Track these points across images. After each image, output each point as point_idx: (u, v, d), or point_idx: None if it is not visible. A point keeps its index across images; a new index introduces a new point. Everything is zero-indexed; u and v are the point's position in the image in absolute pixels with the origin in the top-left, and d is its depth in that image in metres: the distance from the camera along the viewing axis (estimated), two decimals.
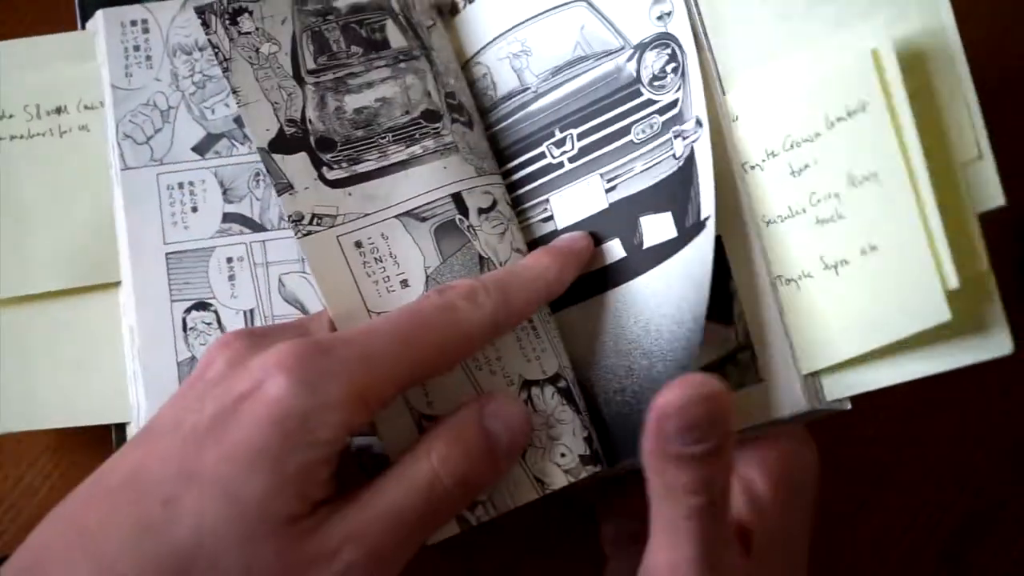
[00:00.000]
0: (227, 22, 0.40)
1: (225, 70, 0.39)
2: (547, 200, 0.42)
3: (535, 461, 0.38)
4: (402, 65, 0.42)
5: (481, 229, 0.40)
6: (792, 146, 0.37)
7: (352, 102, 0.41)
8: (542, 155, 0.42)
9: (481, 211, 0.41)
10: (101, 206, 0.43)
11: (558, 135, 0.42)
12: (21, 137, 0.43)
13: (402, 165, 0.41)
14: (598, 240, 0.41)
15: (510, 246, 0.41)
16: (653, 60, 0.40)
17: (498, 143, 0.43)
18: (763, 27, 0.38)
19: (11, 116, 0.43)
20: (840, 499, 0.44)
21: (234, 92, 0.39)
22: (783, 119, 0.37)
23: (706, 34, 0.39)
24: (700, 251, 0.38)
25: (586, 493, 0.43)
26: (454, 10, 0.45)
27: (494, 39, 0.44)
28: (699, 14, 0.39)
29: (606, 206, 0.41)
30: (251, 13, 0.41)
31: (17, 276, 0.42)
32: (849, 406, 0.37)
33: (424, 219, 0.40)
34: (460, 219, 0.40)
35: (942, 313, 0.33)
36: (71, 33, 0.44)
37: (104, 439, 0.42)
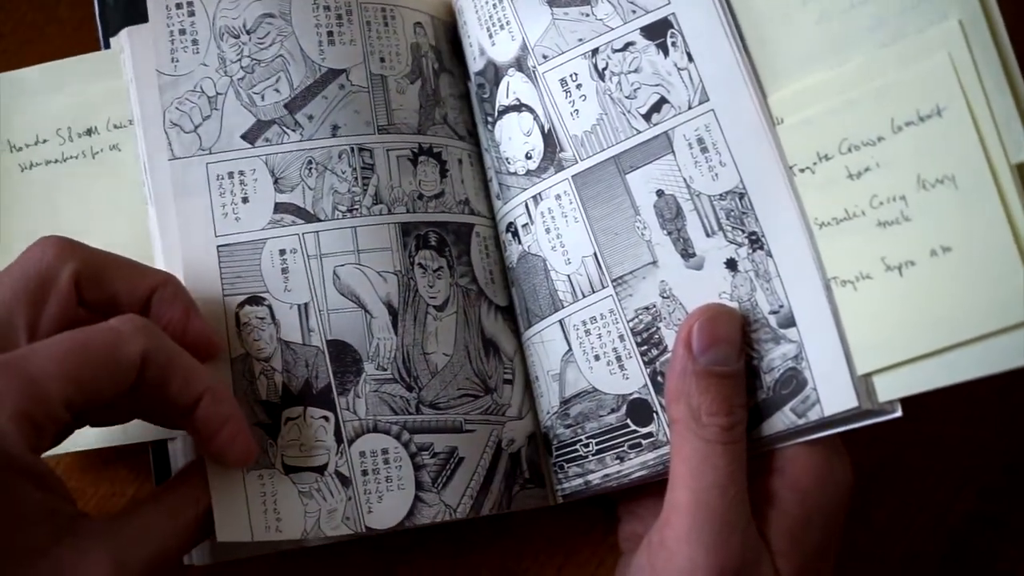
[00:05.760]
0: None
1: None
2: None
3: None
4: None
5: None
6: (850, 149, 0.36)
7: None
8: None
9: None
10: (137, 227, 0.41)
11: None
12: (56, 161, 0.43)
13: None
14: None
15: None
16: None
17: None
18: (804, 29, 0.37)
19: (45, 141, 0.43)
20: None
21: None
22: (839, 123, 0.37)
23: (743, 37, 0.39)
24: None
25: (610, 493, 0.42)
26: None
27: None
28: (734, 19, 0.39)
29: None
30: None
31: None
32: (899, 411, 0.36)
33: None
34: None
35: None
36: (96, 53, 0.43)
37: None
